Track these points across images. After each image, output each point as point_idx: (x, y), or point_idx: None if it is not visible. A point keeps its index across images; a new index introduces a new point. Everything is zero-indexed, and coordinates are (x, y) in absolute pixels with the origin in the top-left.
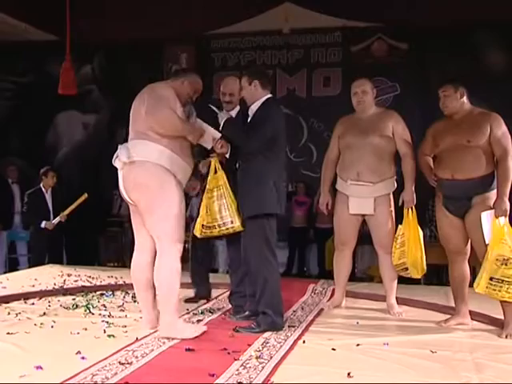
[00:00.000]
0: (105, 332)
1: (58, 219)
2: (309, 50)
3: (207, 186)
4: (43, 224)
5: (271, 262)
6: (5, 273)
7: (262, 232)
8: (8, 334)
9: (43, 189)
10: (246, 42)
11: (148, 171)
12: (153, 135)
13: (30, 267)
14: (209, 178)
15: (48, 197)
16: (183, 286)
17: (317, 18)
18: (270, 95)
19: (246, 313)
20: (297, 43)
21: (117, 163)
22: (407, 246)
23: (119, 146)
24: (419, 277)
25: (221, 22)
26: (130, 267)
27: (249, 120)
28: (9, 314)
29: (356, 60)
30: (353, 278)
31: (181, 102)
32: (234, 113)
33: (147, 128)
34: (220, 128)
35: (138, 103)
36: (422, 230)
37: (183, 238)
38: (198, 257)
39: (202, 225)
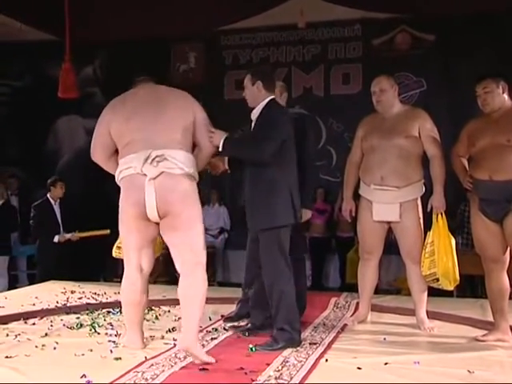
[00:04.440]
0: (111, 352)
1: (69, 235)
2: (326, 45)
3: None
4: (56, 239)
5: (286, 274)
6: (2, 291)
7: (276, 244)
8: (6, 357)
9: (51, 200)
10: (259, 37)
11: (192, 183)
12: (187, 144)
13: (31, 284)
14: None
15: (56, 208)
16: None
17: (334, 10)
18: (272, 97)
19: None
20: (313, 38)
21: (150, 171)
22: (437, 255)
23: (148, 152)
24: (452, 288)
25: (231, 17)
26: None
27: (253, 125)
28: (7, 335)
29: (378, 54)
30: (378, 290)
31: None
32: None
33: (185, 136)
34: (220, 149)
35: (183, 107)
36: (454, 237)
37: None
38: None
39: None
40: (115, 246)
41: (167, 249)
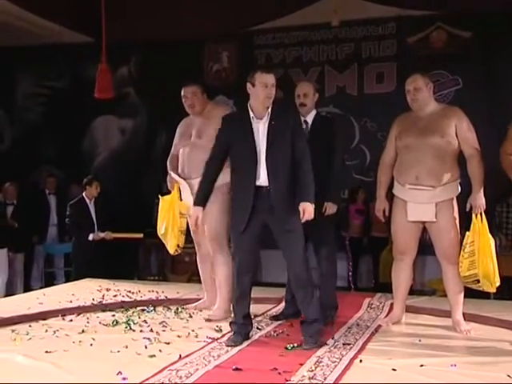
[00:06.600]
0: (146, 348)
1: (103, 234)
2: (360, 44)
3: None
4: (91, 237)
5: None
6: (41, 288)
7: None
8: (46, 352)
9: (86, 199)
10: (292, 36)
11: None
12: None
13: (67, 281)
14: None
15: (91, 207)
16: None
17: (368, 7)
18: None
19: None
20: (347, 36)
21: None
22: (478, 256)
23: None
24: (494, 290)
25: (264, 16)
26: (171, 281)
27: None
28: (46, 331)
29: (412, 52)
30: (413, 291)
31: None
32: (310, 117)
33: None
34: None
35: None
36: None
37: None
38: None
39: (178, 245)
40: (174, 245)
41: None
